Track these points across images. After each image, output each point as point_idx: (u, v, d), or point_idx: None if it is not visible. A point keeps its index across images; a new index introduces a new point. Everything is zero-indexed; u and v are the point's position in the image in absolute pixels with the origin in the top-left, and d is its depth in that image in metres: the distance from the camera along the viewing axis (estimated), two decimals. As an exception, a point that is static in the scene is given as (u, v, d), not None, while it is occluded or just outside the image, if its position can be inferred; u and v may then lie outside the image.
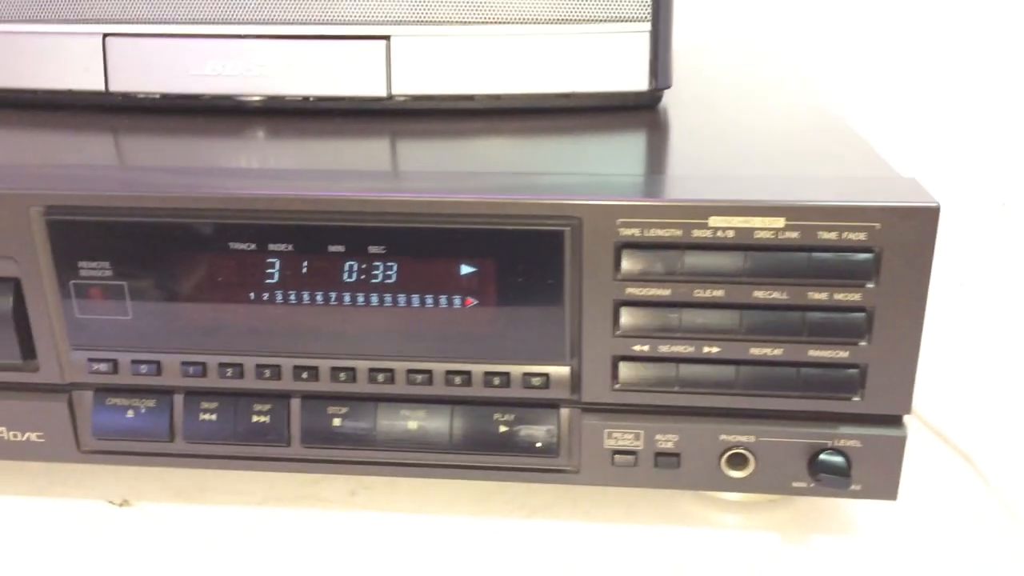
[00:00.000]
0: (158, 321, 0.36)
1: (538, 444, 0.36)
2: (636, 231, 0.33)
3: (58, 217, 0.34)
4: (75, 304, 0.36)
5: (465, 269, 0.34)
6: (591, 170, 0.36)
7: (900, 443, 0.35)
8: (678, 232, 0.33)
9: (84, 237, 0.35)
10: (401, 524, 0.38)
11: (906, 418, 0.35)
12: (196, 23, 0.45)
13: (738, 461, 0.36)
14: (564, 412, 0.36)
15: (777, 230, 0.32)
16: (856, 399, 0.34)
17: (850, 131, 0.41)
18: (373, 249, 0.34)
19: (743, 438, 0.35)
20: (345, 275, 0.35)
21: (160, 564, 0.36)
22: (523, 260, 0.34)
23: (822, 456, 0.35)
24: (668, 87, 0.45)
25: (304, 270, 0.35)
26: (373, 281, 0.35)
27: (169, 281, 0.35)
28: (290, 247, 0.34)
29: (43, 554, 0.37)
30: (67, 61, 0.45)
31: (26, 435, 0.38)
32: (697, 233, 0.32)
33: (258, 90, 0.45)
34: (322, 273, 0.35)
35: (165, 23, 0.45)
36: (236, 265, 0.35)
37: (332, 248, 0.34)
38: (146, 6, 0.44)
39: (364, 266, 0.35)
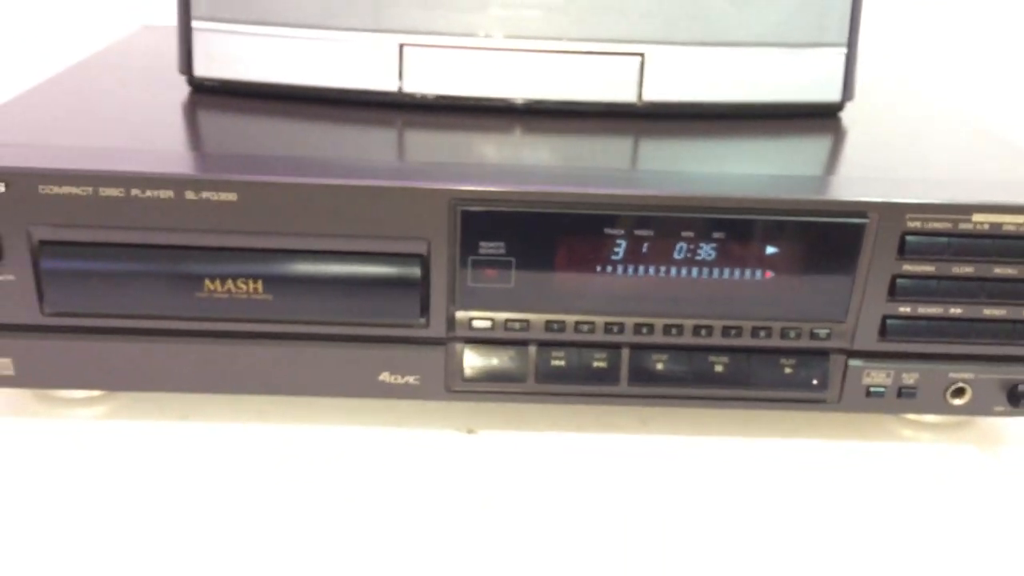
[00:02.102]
0: (533, 289, 0.46)
1: (814, 382, 0.48)
2: (919, 223, 0.44)
3: (470, 208, 0.44)
4: (469, 274, 0.45)
5: (772, 249, 0.46)
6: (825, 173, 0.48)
7: (1073, 377, 0.48)
8: (948, 224, 0.44)
9: (488, 223, 0.44)
10: (684, 445, 0.50)
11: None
12: (479, 36, 0.53)
13: (958, 392, 0.48)
14: (835, 357, 0.48)
15: (1020, 224, 0.45)
16: (1052, 346, 0.47)
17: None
18: (715, 234, 0.45)
19: (965, 375, 0.48)
20: (676, 252, 0.46)
21: (500, 479, 0.46)
22: (829, 242, 0.45)
23: (1020, 387, 0.48)
24: (852, 99, 0.57)
25: (650, 249, 0.45)
26: (698, 256, 0.46)
27: (548, 257, 0.45)
28: (650, 232, 0.45)
29: (410, 475, 0.46)
30: (368, 66, 0.54)
31: (405, 378, 0.47)
32: (962, 225, 0.45)
33: (525, 95, 0.54)
34: (665, 252, 0.45)
35: (453, 35, 0.53)
36: (605, 245, 0.45)
37: (682, 232, 0.45)
38: (439, 21, 0.53)
39: (692, 244, 0.45)
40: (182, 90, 0.55)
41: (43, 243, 0.43)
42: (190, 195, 0.43)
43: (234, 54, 0.54)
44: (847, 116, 0.57)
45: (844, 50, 0.55)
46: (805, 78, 0.55)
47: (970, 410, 0.49)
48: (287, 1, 0.52)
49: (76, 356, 0.46)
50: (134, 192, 0.42)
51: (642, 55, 0.54)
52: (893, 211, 0.44)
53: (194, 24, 0.54)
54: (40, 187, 0.42)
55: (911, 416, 0.52)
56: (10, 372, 0.46)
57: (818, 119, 0.56)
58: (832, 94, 0.56)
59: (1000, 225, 0.44)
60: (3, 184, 0.42)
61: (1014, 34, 0.85)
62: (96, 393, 0.51)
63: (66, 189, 0.42)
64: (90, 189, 0.42)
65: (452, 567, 0.40)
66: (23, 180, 0.42)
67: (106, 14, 0.81)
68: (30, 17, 0.85)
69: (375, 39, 0.53)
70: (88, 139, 0.47)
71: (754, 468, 0.48)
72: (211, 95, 0.55)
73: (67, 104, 0.52)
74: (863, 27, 0.55)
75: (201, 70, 0.54)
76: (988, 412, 0.49)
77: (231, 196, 0.43)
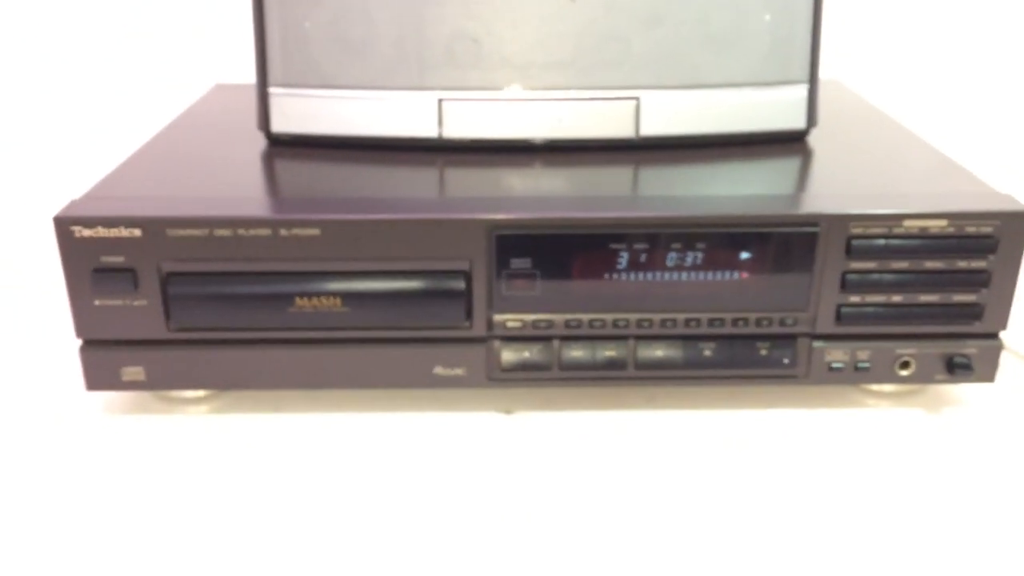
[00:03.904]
0: (555, 294, 0.57)
1: (785, 360, 0.59)
2: (861, 229, 0.56)
3: (503, 232, 0.56)
4: (503, 285, 0.57)
5: (746, 255, 0.57)
6: (789, 191, 0.59)
7: (999, 349, 0.59)
8: (885, 229, 0.56)
9: (517, 244, 0.56)
10: (684, 416, 0.61)
11: (1001, 333, 0.59)
12: (502, 89, 0.65)
13: (905, 365, 0.60)
14: (801, 340, 0.59)
15: (943, 227, 0.56)
16: (977, 324, 0.58)
17: (947, 157, 0.65)
18: (699, 244, 0.56)
19: (910, 351, 0.59)
20: (668, 261, 0.57)
21: (534, 449, 0.58)
22: (790, 248, 0.56)
23: (956, 359, 0.59)
24: (816, 126, 0.68)
25: (647, 259, 0.56)
26: (687, 263, 0.57)
27: (566, 269, 0.56)
28: (647, 245, 0.56)
29: (461, 447, 0.58)
30: (413, 117, 0.66)
31: (454, 370, 0.59)
32: (896, 230, 0.56)
33: (542, 135, 0.66)
34: (659, 259, 0.57)
35: (482, 89, 0.65)
36: (611, 257, 0.56)
37: (673, 244, 0.56)
38: (471, 79, 0.65)
39: (681, 254, 0.57)
40: (261, 143, 0.67)
41: (170, 274, 0.56)
42: (283, 232, 0.55)
43: (304, 113, 0.66)
44: (812, 139, 0.68)
45: (807, 86, 0.67)
46: (775, 111, 0.67)
47: (915, 379, 0.60)
48: (347, 68, 0.64)
49: (194, 362, 0.58)
50: (240, 232, 0.55)
51: (638, 98, 0.65)
52: (839, 221, 0.55)
53: (271, 90, 0.66)
54: (168, 231, 0.54)
55: (873, 387, 0.63)
56: (142, 378, 0.59)
57: (787, 144, 0.68)
58: (798, 122, 0.67)
59: (927, 228, 0.55)
60: (140, 230, 0.54)
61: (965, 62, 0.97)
62: (203, 393, 0.63)
63: (188, 231, 0.54)
64: (207, 230, 0.54)
65: (497, 514, 0.52)
66: (155, 226, 0.54)
67: (182, 74, 0.94)
68: (115, 74, 0.98)
69: (419, 96, 0.65)
70: (198, 189, 0.59)
71: (741, 434, 0.59)
72: (285, 147, 0.67)
73: (173, 160, 0.64)
74: (831, 60, 0.66)
75: (277, 127, 0.67)
76: (931, 380, 0.60)
77: (315, 232, 0.55)
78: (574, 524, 0.51)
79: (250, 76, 0.66)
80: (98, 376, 0.58)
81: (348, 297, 0.56)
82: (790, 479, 0.55)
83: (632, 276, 0.56)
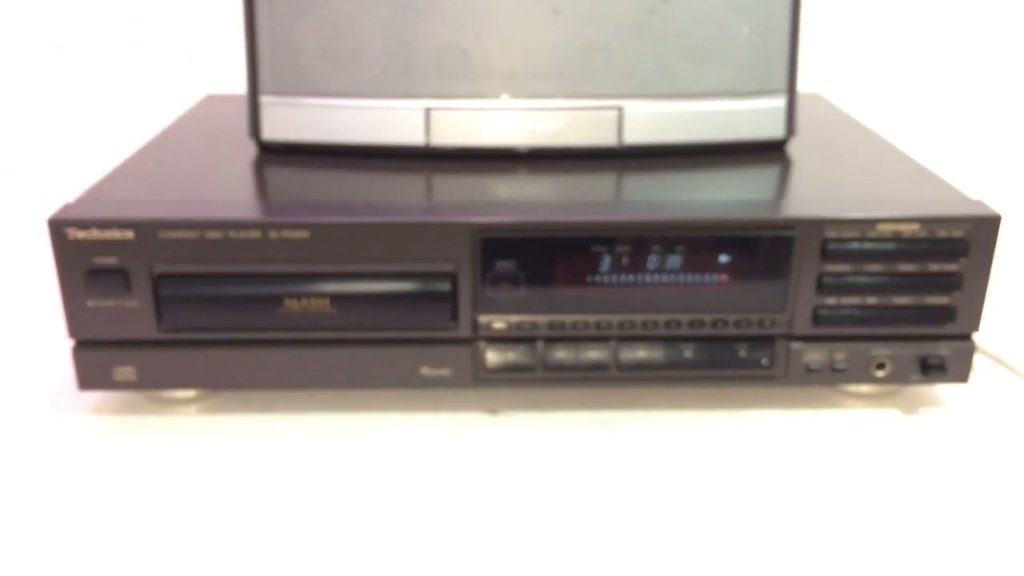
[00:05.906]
0: (539, 296, 0.59)
1: (764, 361, 0.61)
2: (835, 233, 0.57)
3: (488, 235, 0.57)
4: (488, 287, 0.58)
5: (724, 258, 0.58)
6: (767, 197, 0.61)
7: (972, 350, 0.61)
8: (859, 233, 0.57)
9: (502, 247, 0.57)
10: (666, 416, 0.62)
11: (974, 335, 0.61)
12: (488, 98, 0.67)
13: (880, 366, 0.61)
14: (779, 342, 0.61)
15: (915, 231, 0.57)
16: (950, 325, 0.60)
17: (918, 164, 0.67)
18: (678, 247, 0.58)
19: (885, 352, 0.60)
20: (649, 264, 0.59)
21: (518, 448, 0.59)
22: (767, 251, 0.58)
23: (929, 360, 0.60)
24: (795, 135, 0.70)
25: (629, 262, 0.58)
26: (667, 266, 0.59)
27: (549, 272, 0.58)
28: (628, 248, 0.58)
29: (447, 446, 0.59)
30: (401, 125, 0.67)
31: (440, 371, 0.60)
32: (870, 234, 0.57)
33: (527, 143, 0.68)
34: (641, 262, 0.58)
35: (469, 98, 0.67)
36: (593, 260, 0.58)
37: (654, 247, 0.58)
38: (458, 88, 0.66)
39: (662, 257, 0.58)
40: (251, 151, 0.69)
41: (161, 275, 0.57)
42: (273, 234, 0.56)
43: (295, 121, 0.67)
44: (791, 149, 0.70)
45: (785, 96, 0.68)
46: (754, 120, 0.68)
47: (891, 380, 0.61)
48: (336, 77, 0.66)
49: (185, 363, 0.59)
50: (231, 234, 0.56)
51: (621, 108, 0.67)
52: (814, 225, 0.57)
53: (261, 98, 0.67)
54: (160, 233, 0.56)
55: (850, 388, 0.65)
56: (133, 378, 0.60)
57: (767, 152, 0.69)
58: (777, 132, 0.69)
59: (900, 232, 0.57)
60: (132, 231, 0.56)
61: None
62: (193, 393, 0.64)
63: (180, 233, 0.56)
64: (198, 233, 0.56)
65: (483, 513, 0.53)
66: (147, 228, 0.56)
67: (174, 84, 0.95)
68: (111, 86, 0.99)
69: (407, 104, 0.66)
70: (189, 193, 0.60)
71: (722, 433, 0.61)
72: (276, 154, 0.68)
73: (165, 165, 0.66)
74: (812, 73, 0.68)
75: (267, 134, 0.68)
76: (906, 381, 0.61)
77: (304, 234, 0.56)
78: (559, 523, 0.52)
79: (240, 87, 0.67)
80: (90, 376, 0.59)
81: (336, 298, 0.57)
82: (770, 478, 0.56)
83: (614, 279, 0.58)
